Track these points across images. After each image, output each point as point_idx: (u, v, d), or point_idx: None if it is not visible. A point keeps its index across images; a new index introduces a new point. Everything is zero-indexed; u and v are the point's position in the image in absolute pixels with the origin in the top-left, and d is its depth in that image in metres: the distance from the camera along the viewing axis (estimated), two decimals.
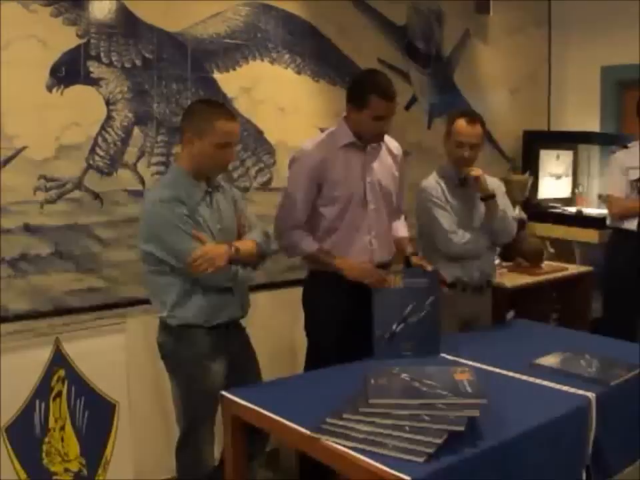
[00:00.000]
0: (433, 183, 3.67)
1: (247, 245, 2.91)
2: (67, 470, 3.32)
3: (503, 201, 3.68)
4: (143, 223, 2.88)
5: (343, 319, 3.29)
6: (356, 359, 3.04)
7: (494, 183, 3.72)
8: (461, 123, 3.58)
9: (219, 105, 2.97)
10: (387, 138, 3.45)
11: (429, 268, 3.28)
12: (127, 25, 3.46)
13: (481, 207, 3.62)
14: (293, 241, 3.28)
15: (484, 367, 2.96)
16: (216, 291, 2.87)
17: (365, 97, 3.18)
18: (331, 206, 3.28)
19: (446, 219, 3.59)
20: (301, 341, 3.49)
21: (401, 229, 3.61)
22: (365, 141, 3.31)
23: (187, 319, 2.87)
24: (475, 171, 3.55)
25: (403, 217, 3.65)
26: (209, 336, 2.90)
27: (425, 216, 3.64)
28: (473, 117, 3.65)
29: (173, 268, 2.81)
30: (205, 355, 2.90)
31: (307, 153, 3.30)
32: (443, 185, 3.65)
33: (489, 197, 3.57)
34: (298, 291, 3.52)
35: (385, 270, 3.28)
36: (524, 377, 2.87)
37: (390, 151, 3.47)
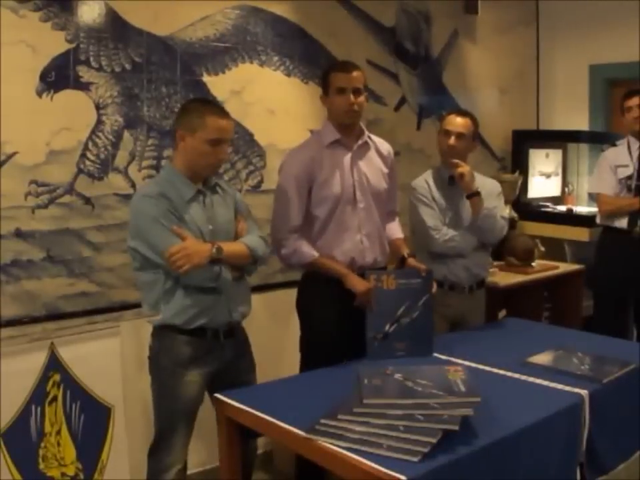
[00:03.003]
0: (421, 181, 3.74)
1: (233, 246, 2.87)
2: (63, 474, 3.31)
3: (497, 202, 3.72)
4: (130, 219, 2.89)
5: (339, 321, 3.26)
6: (352, 360, 3.06)
7: (491, 184, 3.76)
8: (451, 115, 3.72)
9: (212, 103, 2.98)
10: (376, 139, 3.48)
11: (423, 272, 3.24)
12: (116, 29, 3.46)
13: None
14: (292, 250, 3.24)
15: (477, 365, 2.98)
16: (199, 292, 2.83)
17: (326, 79, 3.30)
18: (321, 206, 3.27)
19: (429, 216, 3.63)
20: (291, 344, 3.49)
21: (396, 230, 3.61)
22: (349, 127, 3.32)
23: (166, 319, 2.85)
24: (462, 167, 3.57)
25: (397, 219, 3.65)
26: (189, 344, 2.87)
27: (414, 214, 3.69)
28: (464, 112, 3.78)
29: (157, 265, 2.79)
30: (181, 363, 2.87)
31: (293, 156, 3.32)
32: (431, 183, 3.71)
33: (474, 195, 3.59)
34: (289, 293, 3.54)
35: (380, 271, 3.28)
36: (517, 376, 2.89)
37: (379, 152, 3.46)
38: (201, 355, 2.89)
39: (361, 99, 3.28)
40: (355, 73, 3.27)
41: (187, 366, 2.87)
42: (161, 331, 2.90)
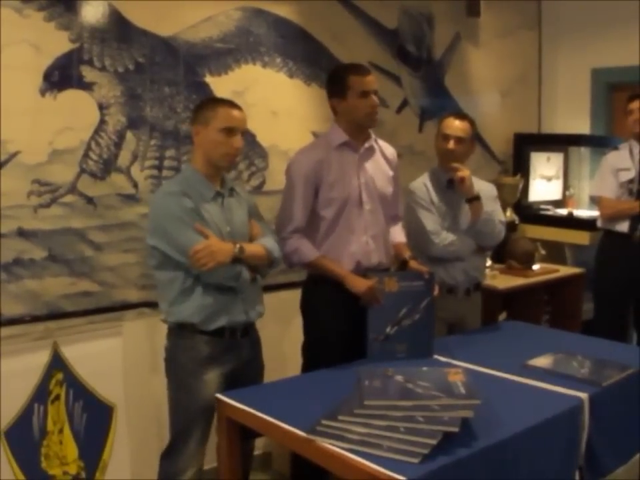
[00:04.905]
0: (419, 184, 3.72)
1: (254, 247, 2.90)
2: (65, 473, 3.33)
3: (493, 206, 3.71)
4: (150, 216, 2.91)
5: (344, 325, 3.27)
6: (353, 361, 3.07)
7: (486, 187, 3.74)
8: (449, 119, 3.68)
9: (225, 99, 3.03)
10: (382, 143, 3.49)
11: (426, 274, 3.24)
12: (120, 30, 3.46)
13: (468, 210, 3.63)
14: (293, 249, 3.25)
15: (477, 368, 2.99)
16: (217, 291, 2.84)
17: (343, 82, 3.26)
18: (328, 208, 3.27)
19: (429, 220, 3.62)
20: (292, 345, 3.49)
21: (399, 234, 3.60)
22: (362, 130, 3.32)
23: (183, 317, 2.86)
24: (462, 172, 3.56)
25: (400, 223, 3.65)
26: (208, 343, 2.87)
27: (411, 217, 3.68)
28: (462, 115, 3.75)
29: (177, 263, 2.81)
30: (200, 363, 2.87)
31: (303, 156, 3.31)
32: (429, 186, 3.69)
33: (473, 199, 3.59)
34: (290, 294, 3.53)
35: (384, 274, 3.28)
36: (517, 378, 2.90)
37: (385, 156, 3.47)
38: (219, 354, 2.90)
39: (377, 100, 3.31)
40: (371, 76, 3.30)
41: (206, 365, 2.88)
42: (179, 330, 2.91)
